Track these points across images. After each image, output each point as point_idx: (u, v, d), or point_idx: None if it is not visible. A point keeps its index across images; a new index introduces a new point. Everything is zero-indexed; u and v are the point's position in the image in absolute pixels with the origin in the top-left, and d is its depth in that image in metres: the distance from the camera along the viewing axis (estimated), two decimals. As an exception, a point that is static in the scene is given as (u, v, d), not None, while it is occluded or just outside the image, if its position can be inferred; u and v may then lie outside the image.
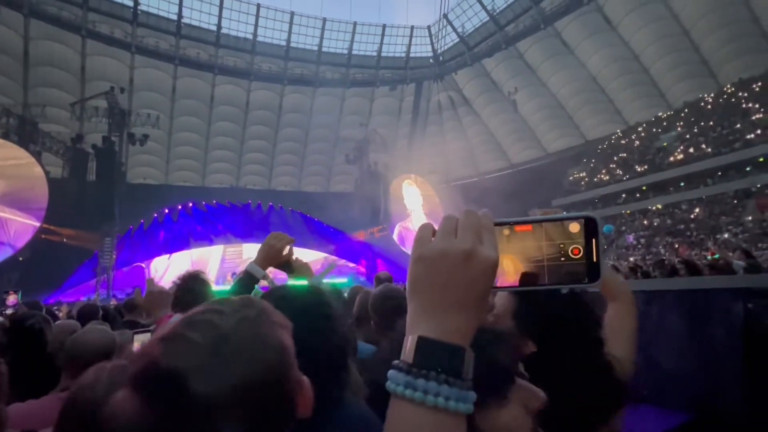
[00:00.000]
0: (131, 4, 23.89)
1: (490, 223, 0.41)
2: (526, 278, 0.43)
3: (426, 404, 0.34)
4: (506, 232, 0.43)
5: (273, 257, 1.34)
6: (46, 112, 20.30)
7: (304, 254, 24.63)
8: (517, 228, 0.44)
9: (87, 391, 0.82)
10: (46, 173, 17.39)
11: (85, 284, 18.20)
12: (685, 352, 1.57)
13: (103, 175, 18.10)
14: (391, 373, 0.36)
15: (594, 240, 0.43)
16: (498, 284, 0.42)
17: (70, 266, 18.13)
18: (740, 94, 24.28)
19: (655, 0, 24.27)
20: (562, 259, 0.43)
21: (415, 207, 27.83)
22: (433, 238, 0.40)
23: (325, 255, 24.08)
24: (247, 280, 1.31)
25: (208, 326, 0.42)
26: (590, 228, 0.43)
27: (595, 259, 0.42)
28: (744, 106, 23.29)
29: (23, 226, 17.10)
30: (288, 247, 1.35)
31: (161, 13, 25.09)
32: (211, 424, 0.37)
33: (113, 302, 11.00)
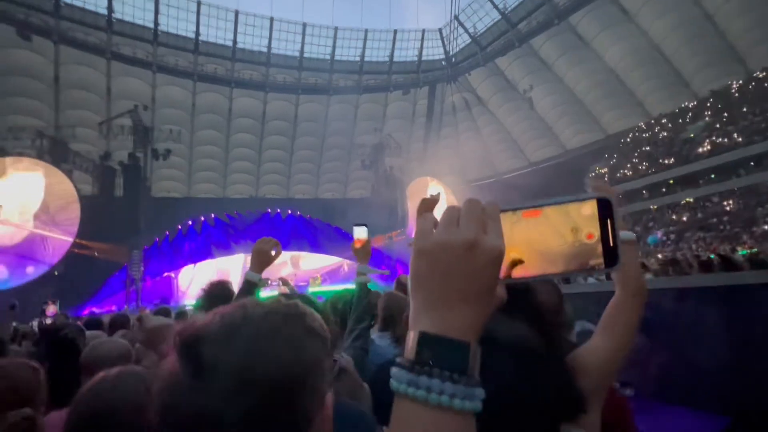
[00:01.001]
0: (152, 25, 24.89)
1: (495, 210, 0.38)
2: (537, 267, 0.40)
3: (430, 402, 0.32)
4: (513, 219, 0.40)
5: (264, 261, 1.42)
6: (76, 133, 21.33)
7: (322, 260, 24.86)
8: (525, 214, 0.40)
9: (90, 395, 0.84)
10: (77, 190, 18.24)
11: (115, 295, 18.92)
12: (722, 352, 1.48)
13: (129, 190, 18.84)
14: (393, 371, 0.34)
15: (610, 222, 0.39)
16: (507, 274, 0.40)
17: (102, 279, 18.89)
18: (771, 78, 23.12)
19: (674, -13, 23.50)
20: (576, 244, 0.39)
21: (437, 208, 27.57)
22: (434, 230, 0.37)
23: (343, 260, 24.20)
24: (246, 287, 1.36)
25: (239, 309, 0.45)
26: (604, 209, 0.40)
27: (612, 243, 0.39)
28: (776, 91, 22.14)
29: (58, 242, 17.95)
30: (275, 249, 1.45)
31: (180, 32, 26.04)
32: (216, 398, 0.39)
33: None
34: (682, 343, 1.65)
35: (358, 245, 1.69)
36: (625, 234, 1.05)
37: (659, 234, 21.71)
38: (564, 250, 0.40)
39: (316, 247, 24.37)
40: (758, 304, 1.54)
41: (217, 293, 1.87)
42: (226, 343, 0.41)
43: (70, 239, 17.98)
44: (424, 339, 0.34)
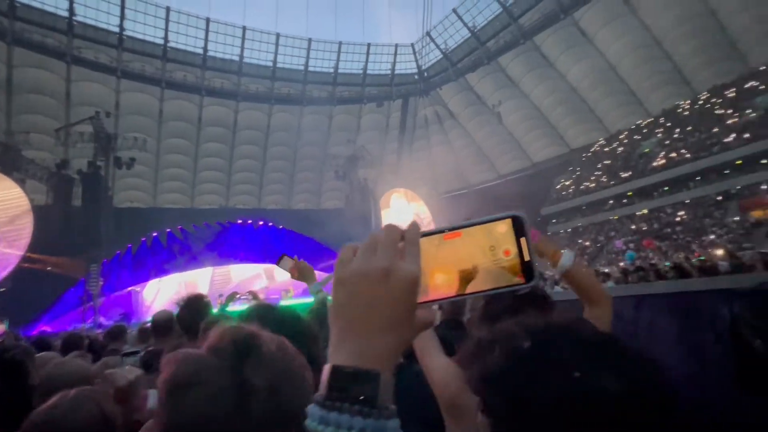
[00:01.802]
0: (117, 30, 24.02)
1: (415, 235, 0.39)
2: (462, 286, 0.41)
3: None
4: (436, 242, 0.41)
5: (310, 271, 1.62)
6: (30, 139, 20.06)
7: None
8: (446, 236, 0.41)
9: (47, 416, 0.82)
10: (30, 200, 17.06)
11: (71, 313, 17.68)
12: (675, 359, 1.58)
13: (88, 201, 17.83)
14: (309, 408, 0.33)
15: (523, 239, 0.41)
16: (429, 297, 0.40)
17: (55, 295, 17.63)
18: (714, 100, 25.24)
19: (627, 13, 25.34)
20: (495, 262, 0.41)
21: (405, 220, 27.83)
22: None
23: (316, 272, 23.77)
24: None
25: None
26: (518, 226, 0.41)
27: (527, 258, 0.40)
28: (718, 111, 24.17)
29: (5, 256, 16.64)
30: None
31: (147, 38, 25.25)
32: None
33: (98, 331, 10.68)
34: (640, 348, 1.75)
35: (294, 275, 1.73)
36: (566, 256, 1.12)
37: (618, 243, 22.87)
38: (486, 268, 0.40)
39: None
40: (706, 310, 1.65)
41: (193, 309, 1.83)
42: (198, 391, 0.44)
43: (19, 253, 16.71)
44: (335, 373, 0.33)
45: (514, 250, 0.40)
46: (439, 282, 0.41)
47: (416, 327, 0.37)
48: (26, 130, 20.58)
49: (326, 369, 0.34)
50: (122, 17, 23.86)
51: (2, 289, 15.90)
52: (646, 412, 0.42)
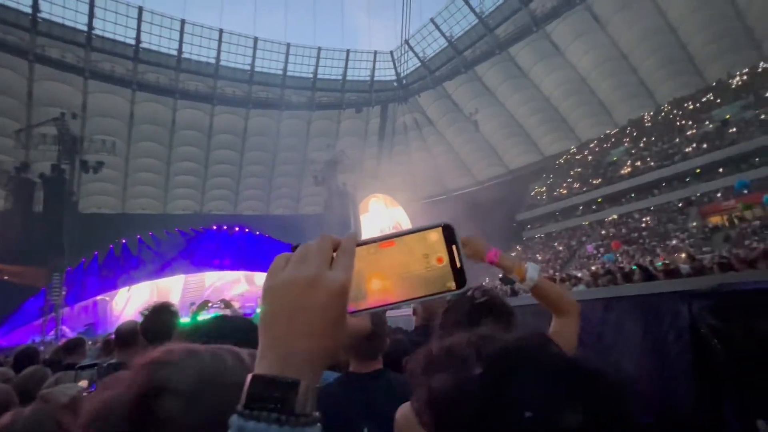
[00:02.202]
0: (85, 28, 23.10)
1: (349, 244, 0.40)
2: (398, 293, 0.42)
3: None
4: (372, 250, 0.42)
5: None
6: (-13, 141, 18.94)
7: (273, 279, 23.89)
8: (381, 245, 0.43)
9: None
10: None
11: (30, 324, 16.63)
12: (641, 357, 1.64)
13: (51, 206, 16.91)
14: (231, 418, 0.32)
15: (454, 246, 0.42)
16: (365, 305, 0.41)
17: (13, 305, 16.56)
18: (675, 111, 26.74)
19: (595, 29, 26.60)
20: (428, 269, 0.42)
21: (384, 225, 27.97)
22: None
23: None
24: None
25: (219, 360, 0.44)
26: (448, 235, 0.43)
27: (458, 265, 0.42)
28: (679, 123, 25.61)
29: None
30: None
31: (118, 38, 24.41)
32: None
33: (60, 343, 10.12)
34: (608, 350, 1.80)
35: None
36: (531, 269, 1.14)
37: (590, 248, 23.68)
38: (420, 275, 0.42)
39: (265, 265, 23.42)
40: (668, 310, 1.72)
41: (159, 319, 1.74)
42: (192, 401, 0.41)
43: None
44: (254, 381, 0.33)
45: (446, 257, 0.42)
46: (376, 290, 0.42)
47: (348, 335, 0.37)
48: (-17, 131, 19.42)
49: (248, 378, 0.33)
50: (91, 15, 22.99)
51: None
52: None
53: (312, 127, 31.76)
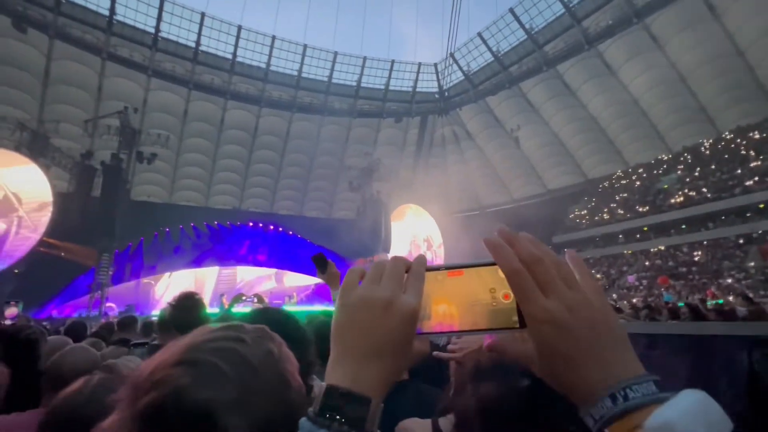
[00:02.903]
0: (152, 31, 25.04)
1: (420, 269, 0.41)
2: (459, 323, 0.43)
3: None
4: (439, 277, 0.44)
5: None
6: (60, 128, 20.81)
7: (304, 278, 24.42)
8: (449, 273, 0.44)
9: (68, 401, 0.85)
10: (52, 187, 17.59)
11: (78, 299, 17.96)
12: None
13: (107, 191, 18.27)
14: (301, 421, 0.35)
15: None
16: (428, 330, 0.42)
17: (65, 281, 17.96)
18: (738, 140, 24.81)
19: (653, 48, 25.33)
20: (494, 303, 0.42)
21: (415, 236, 27.84)
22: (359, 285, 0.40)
23: (319, 280, 23.80)
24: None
25: (235, 356, 0.43)
26: None
27: None
28: (742, 152, 23.73)
29: (24, 238, 17.10)
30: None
31: (180, 41, 26.23)
32: None
33: (103, 320, 10.81)
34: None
35: (323, 277, 1.75)
36: None
37: (631, 278, 22.33)
38: (484, 308, 0.42)
39: (295, 264, 23.99)
40: (722, 355, 1.59)
41: (185, 307, 1.82)
42: (242, 407, 0.41)
43: (37, 237, 17.17)
44: (330, 392, 0.35)
45: (513, 295, 0.42)
46: (441, 315, 0.43)
47: (411, 357, 0.40)
48: (57, 119, 21.37)
49: (322, 387, 0.36)
50: (159, 19, 24.89)
51: (16, 271, 16.29)
52: None
53: (351, 134, 32.37)
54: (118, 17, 23.88)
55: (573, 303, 0.37)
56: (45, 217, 17.15)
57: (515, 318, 0.41)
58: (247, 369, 0.42)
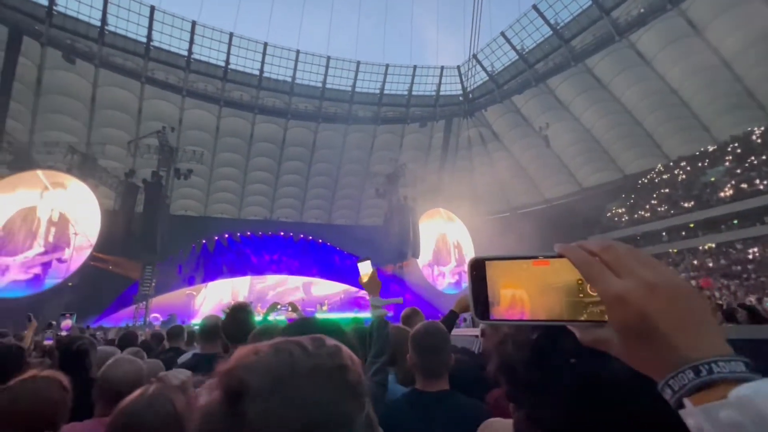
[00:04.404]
0: (185, 53, 26.47)
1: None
2: (545, 313, 0.43)
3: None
4: (524, 266, 0.45)
5: (377, 284, 1.74)
6: (106, 150, 22.33)
7: (331, 287, 24.69)
8: (535, 263, 0.44)
9: (130, 409, 0.97)
10: (100, 205, 18.85)
11: (125, 310, 19.04)
12: None
13: (149, 207, 19.35)
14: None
15: None
16: (514, 317, 0.44)
17: (112, 292, 19.10)
18: (794, 126, 22.88)
19: (690, 35, 23.91)
20: (581, 296, 0.42)
21: (445, 239, 27.51)
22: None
23: (347, 287, 23.97)
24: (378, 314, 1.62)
25: (287, 359, 0.46)
26: None
27: None
28: (799, 139, 21.86)
29: (79, 253, 18.38)
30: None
31: (211, 61, 27.57)
32: None
33: (147, 330, 11.37)
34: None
35: (365, 279, 1.75)
36: None
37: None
38: (570, 300, 0.43)
39: (325, 272, 24.31)
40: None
41: (236, 317, 1.89)
42: (269, 399, 0.42)
43: (89, 252, 18.41)
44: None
45: None
46: (523, 304, 0.44)
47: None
48: (103, 142, 22.95)
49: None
50: (191, 42, 26.29)
51: (70, 284, 17.51)
52: (636, 398, 0.47)
53: (376, 141, 32.61)
54: (155, 43, 25.44)
55: (652, 281, 0.37)
56: (94, 234, 18.37)
57: (601, 311, 0.41)
58: (288, 369, 0.45)
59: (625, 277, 0.38)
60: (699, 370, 0.33)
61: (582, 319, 0.42)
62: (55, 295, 16.26)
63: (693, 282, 20.19)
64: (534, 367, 0.55)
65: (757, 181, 21.83)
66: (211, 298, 21.83)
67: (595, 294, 0.41)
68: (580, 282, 0.42)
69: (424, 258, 25.97)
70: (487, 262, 0.47)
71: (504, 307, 0.44)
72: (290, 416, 0.42)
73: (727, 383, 0.32)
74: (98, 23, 23.18)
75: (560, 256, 0.43)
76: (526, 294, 0.44)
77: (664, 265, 0.39)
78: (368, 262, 1.80)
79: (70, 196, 18.41)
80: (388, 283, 23.30)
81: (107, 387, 1.43)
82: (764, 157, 22.70)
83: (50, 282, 17.28)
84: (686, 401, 0.32)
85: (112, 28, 23.92)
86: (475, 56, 29.32)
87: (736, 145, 25.11)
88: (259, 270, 23.59)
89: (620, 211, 28.37)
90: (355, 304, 22.73)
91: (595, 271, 0.39)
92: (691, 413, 0.32)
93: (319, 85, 30.38)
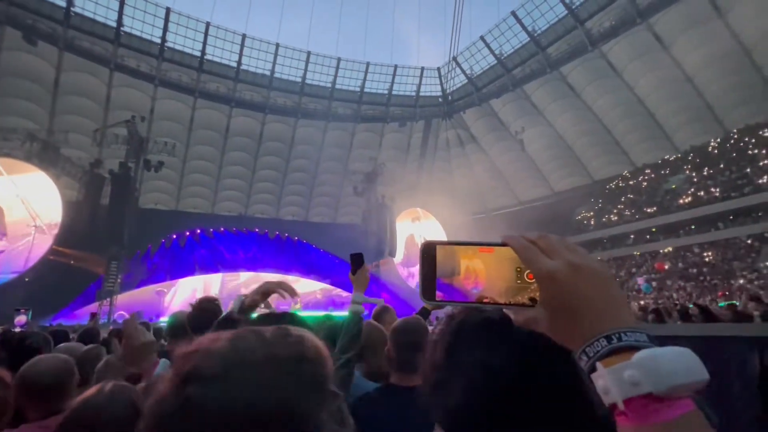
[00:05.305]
0: (159, 41, 25.43)
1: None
2: (478, 295, 0.47)
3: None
4: (470, 252, 0.48)
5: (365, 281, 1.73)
6: (69, 138, 21.15)
7: (307, 285, 24.44)
8: (480, 249, 0.48)
9: (87, 404, 0.94)
10: (62, 196, 17.86)
11: (87, 307, 18.13)
12: (699, 405, 1.49)
13: (116, 200, 18.52)
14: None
15: None
16: (456, 298, 0.48)
17: (75, 288, 18.15)
18: (747, 139, 24.51)
19: (657, 49, 25.19)
20: (519, 282, 0.46)
21: (421, 236, 27.79)
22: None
23: (324, 286, 23.82)
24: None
25: (239, 347, 0.46)
26: None
27: None
28: (751, 151, 23.43)
29: (34, 246, 17.35)
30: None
31: (186, 50, 26.62)
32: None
33: (111, 327, 10.89)
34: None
35: (355, 273, 1.74)
36: None
37: (641, 280, 22.05)
38: (509, 285, 0.47)
39: (301, 269, 24.03)
40: (734, 357, 1.57)
41: (204, 309, 1.86)
42: (216, 384, 0.42)
43: (47, 245, 17.42)
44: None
45: None
46: (466, 287, 0.48)
47: None
48: (66, 130, 21.74)
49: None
50: (165, 30, 25.29)
51: (26, 279, 16.51)
52: (524, 384, 0.52)
53: (355, 139, 32.49)
54: (126, 29, 24.30)
55: (576, 263, 0.43)
56: (55, 225, 17.39)
57: (536, 295, 0.45)
58: (240, 356, 0.45)
59: (556, 259, 0.43)
60: (611, 338, 0.39)
61: (517, 303, 0.46)
62: (8, 290, 15.30)
63: (654, 283, 21.30)
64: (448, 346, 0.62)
65: (713, 190, 23.27)
66: (182, 296, 21.13)
67: (530, 280, 0.46)
68: (518, 270, 0.46)
69: (398, 257, 26.16)
70: (438, 246, 0.50)
71: (449, 289, 0.47)
72: (236, 403, 0.41)
73: (631, 349, 0.37)
74: (63, 3, 21.92)
75: (504, 244, 0.46)
76: (471, 278, 0.47)
77: (586, 251, 0.45)
78: (361, 257, 1.82)
79: (29, 186, 17.36)
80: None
81: (30, 384, 1.32)
82: (720, 167, 24.23)
83: (2, 277, 16.24)
84: (598, 364, 0.38)
85: (79, 10, 22.67)
86: (455, 59, 29.72)
87: (695, 155, 26.67)
88: (232, 267, 23.04)
89: (589, 214, 29.54)
90: (331, 303, 22.63)
91: (532, 253, 0.44)
92: (601, 375, 0.37)
93: (299, 80, 29.94)
